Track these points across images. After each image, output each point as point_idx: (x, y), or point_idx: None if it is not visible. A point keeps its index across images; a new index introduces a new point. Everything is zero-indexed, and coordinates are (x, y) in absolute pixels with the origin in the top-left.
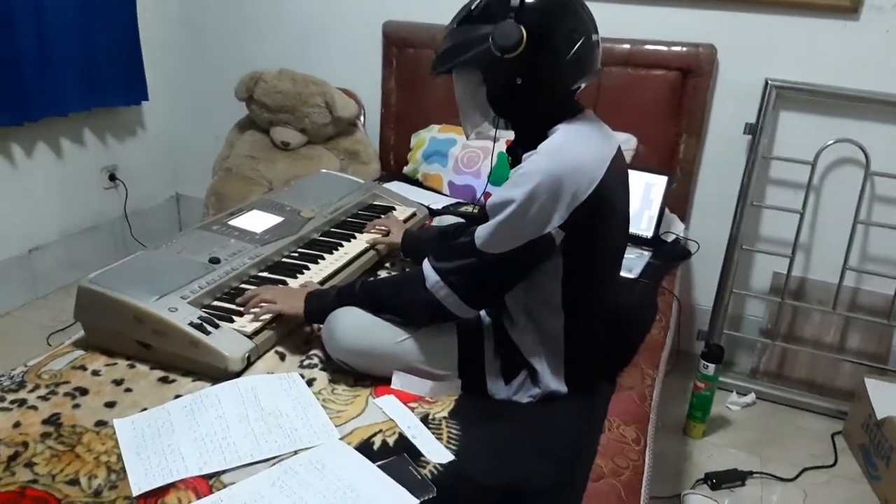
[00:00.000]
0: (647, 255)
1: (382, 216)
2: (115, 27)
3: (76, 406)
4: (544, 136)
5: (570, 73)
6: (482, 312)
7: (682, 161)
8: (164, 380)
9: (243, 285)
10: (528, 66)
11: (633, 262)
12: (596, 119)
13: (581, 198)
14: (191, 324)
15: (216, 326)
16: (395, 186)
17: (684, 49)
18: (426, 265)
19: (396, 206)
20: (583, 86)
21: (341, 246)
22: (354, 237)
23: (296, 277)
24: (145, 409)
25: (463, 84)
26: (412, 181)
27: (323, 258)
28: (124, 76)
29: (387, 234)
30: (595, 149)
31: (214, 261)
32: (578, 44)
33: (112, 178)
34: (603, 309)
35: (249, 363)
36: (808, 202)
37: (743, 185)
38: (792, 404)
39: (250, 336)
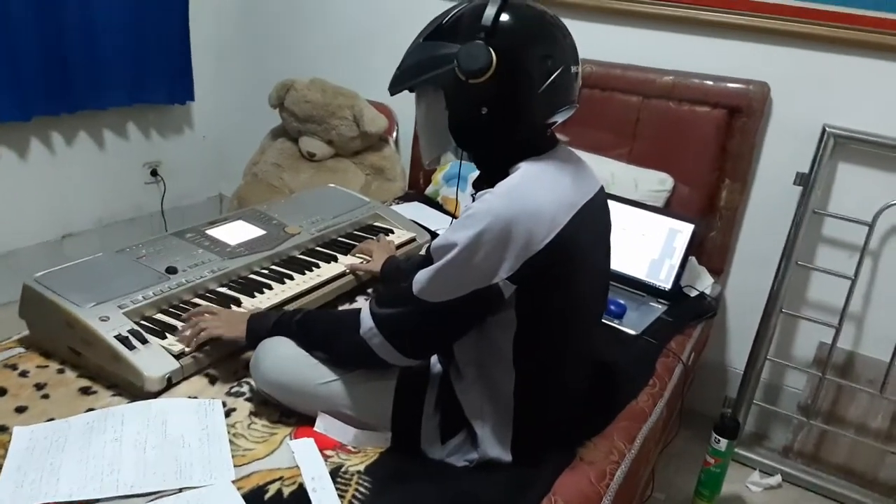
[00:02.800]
0: (659, 309)
1: (374, 238)
2: (165, 25)
3: None
4: (505, 174)
5: (541, 106)
6: (433, 358)
7: (723, 208)
8: (84, 390)
9: (196, 299)
10: (494, 94)
11: (639, 317)
12: (572, 158)
13: (535, 247)
14: (117, 336)
15: (143, 342)
16: (412, 208)
17: (734, 85)
18: (364, 309)
19: (395, 230)
20: (558, 120)
21: (317, 267)
22: (336, 259)
23: (253, 296)
24: (51, 420)
25: (423, 107)
26: (433, 203)
27: (291, 278)
28: (171, 75)
29: (369, 259)
30: (560, 192)
31: (171, 270)
32: (555, 75)
33: (154, 173)
34: (564, 370)
35: (171, 384)
36: (862, 267)
37: (788, 241)
38: (825, 493)
39: (177, 356)
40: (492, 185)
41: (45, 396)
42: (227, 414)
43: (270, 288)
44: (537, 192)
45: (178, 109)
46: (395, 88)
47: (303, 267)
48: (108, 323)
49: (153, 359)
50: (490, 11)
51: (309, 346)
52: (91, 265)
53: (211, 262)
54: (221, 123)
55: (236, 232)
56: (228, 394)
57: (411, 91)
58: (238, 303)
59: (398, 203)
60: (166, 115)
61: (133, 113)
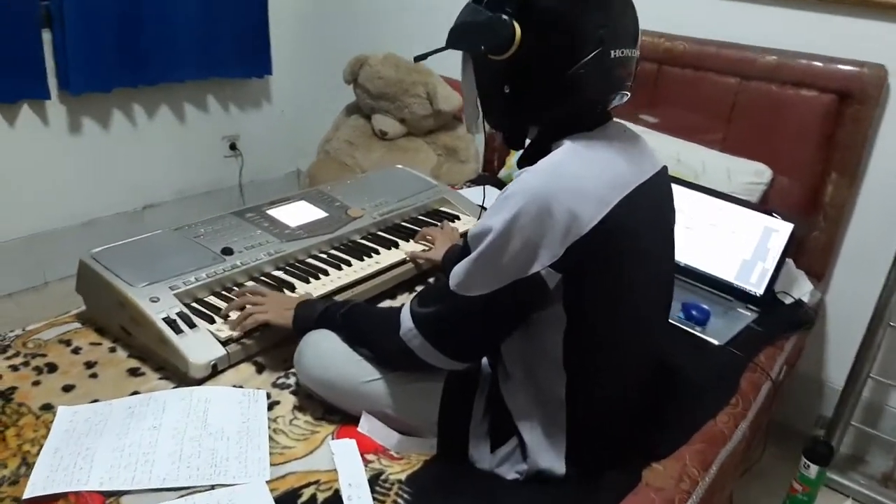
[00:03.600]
0: (748, 317)
1: (437, 225)
2: (245, 4)
3: (36, 383)
4: (547, 151)
5: (580, 90)
6: (483, 360)
7: (827, 205)
8: (133, 371)
9: (250, 283)
10: (519, 73)
11: (725, 325)
12: (626, 134)
13: (580, 230)
14: (165, 319)
15: (191, 326)
16: (485, 192)
17: (846, 67)
18: (405, 307)
19: (461, 216)
20: (615, 101)
21: (377, 253)
22: (397, 245)
23: (308, 282)
24: (96, 401)
25: (463, 71)
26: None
27: (349, 264)
28: (249, 48)
29: (431, 247)
30: (610, 170)
31: (227, 251)
32: (598, 57)
33: (232, 147)
34: (621, 373)
35: (217, 371)
36: None
37: None
38: None
39: (224, 342)
40: (531, 164)
41: (94, 376)
42: (270, 407)
43: (326, 274)
44: (582, 170)
45: (256, 83)
46: (446, 45)
47: (362, 252)
48: (158, 304)
49: (200, 344)
50: None
51: (353, 342)
52: (148, 243)
53: (268, 244)
54: (299, 98)
55: (298, 213)
56: (274, 385)
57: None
58: (292, 288)
59: (469, 186)
60: (244, 89)
61: (211, 86)
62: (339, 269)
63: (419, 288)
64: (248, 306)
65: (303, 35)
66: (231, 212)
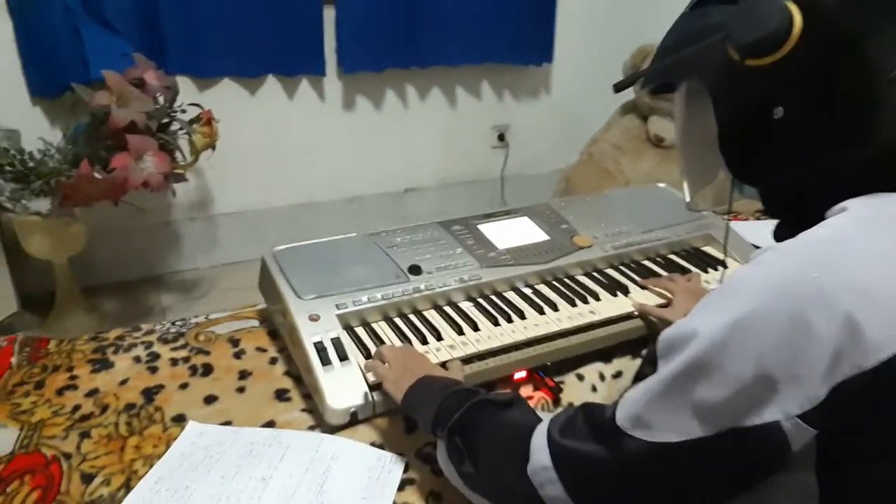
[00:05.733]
0: None
1: (685, 274)
2: None
3: (184, 386)
4: (816, 219)
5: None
6: None
7: None
8: (280, 394)
9: (431, 312)
10: (800, 84)
11: None
12: None
13: (863, 360)
14: (317, 344)
15: (343, 358)
16: (763, 228)
17: None
18: (540, 429)
19: (729, 262)
20: None
21: (595, 298)
22: (626, 292)
23: (496, 324)
24: (228, 423)
25: (681, 109)
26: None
27: (555, 308)
28: (531, 34)
29: (668, 302)
30: None
31: (414, 270)
32: None
33: (500, 137)
34: None
35: (355, 420)
36: None
37: None
38: None
39: (373, 387)
40: (792, 235)
41: (241, 390)
42: (402, 486)
43: (522, 317)
44: (878, 256)
45: (533, 71)
46: (646, 82)
47: (576, 295)
48: (316, 325)
49: (344, 384)
50: None
51: (458, 461)
52: (334, 246)
53: (464, 268)
54: (578, 91)
55: (513, 232)
56: (419, 454)
57: (666, 89)
58: (475, 327)
59: (757, 217)
60: (521, 76)
61: (486, 72)
62: (541, 312)
63: (645, 353)
64: (383, 352)
65: (590, 20)
66: (437, 221)
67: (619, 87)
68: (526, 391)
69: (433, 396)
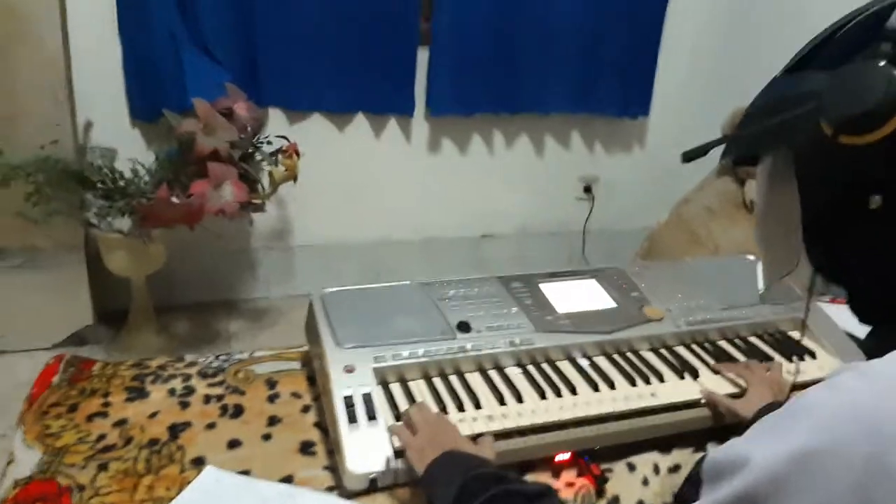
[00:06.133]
0: None
1: (767, 362)
2: (633, 31)
3: (211, 426)
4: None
5: None
6: None
7: None
8: (304, 447)
9: (474, 374)
10: None
11: None
12: None
13: None
14: (346, 399)
15: (371, 417)
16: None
17: None
18: None
19: (819, 352)
20: None
21: (659, 379)
22: (695, 375)
23: (544, 398)
24: (247, 473)
25: (763, 184)
26: None
27: (612, 386)
28: (627, 86)
29: (741, 392)
30: None
31: (463, 327)
32: None
33: (587, 189)
34: None
35: (375, 487)
36: None
37: None
38: None
39: (396, 453)
40: (883, 352)
41: (266, 437)
42: None
43: (574, 392)
44: None
45: (627, 123)
46: (727, 152)
47: (638, 372)
48: (349, 377)
49: (367, 446)
50: None
51: None
52: (385, 294)
53: (518, 330)
54: (673, 147)
55: (577, 295)
56: None
57: (749, 161)
58: (518, 397)
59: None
60: (613, 128)
61: (578, 121)
62: (596, 389)
63: (711, 448)
64: (412, 416)
65: (691, 75)
66: (500, 275)
67: (687, 157)
68: (568, 476)
69: (455, 475)
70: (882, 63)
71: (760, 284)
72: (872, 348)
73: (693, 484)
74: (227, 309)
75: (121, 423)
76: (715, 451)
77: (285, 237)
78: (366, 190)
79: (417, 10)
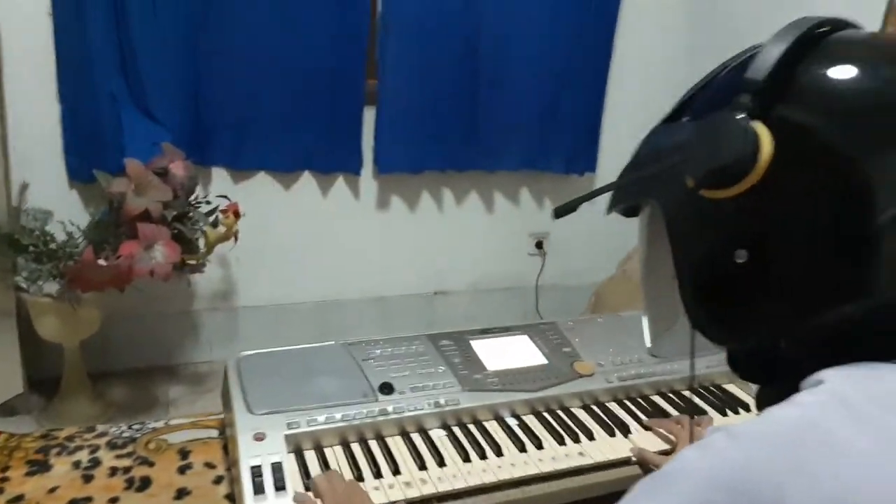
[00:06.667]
0: None
1: (697, 416)
2: (581, 87)
3: (113, 501)
4: (792, 390)
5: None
6: None
7: None
8: None
9: (397, 437)
10: (768, 221)
11: None
12: None
13: None
14: (253, 468)
15: (279, 488)
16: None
17: None
18: None
19: (752, 403)
20: None
21: (589, 438)
22: (627, 432)
23: (468, 460)
24: None
25: (642, 235)
26: None
27: (540, 446)
28: (574, 144)
29: (673, 448)
30: None
31: (386, 388)
32: None
33: (538, 245)
34: None
35: None
36: None
37: None
38: None
39: None
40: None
41: None
42: None
43: (499, 453)
44: (861, 459)
45: (575, 180)
46: (612, 203)
47: (568, 431)
48: (259, 445)
49: None
50: (770, 54)
51: None
52: (307, 356)
53: (443, 390)
54: None
55: (508, 352)
56: None
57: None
58: (440, 461)
59: None
60: (562, 185)
61: (526, 178)
62: (522, 449)
63: None
64: (318, 485)
65: (636, 132)
66: (430, 333)
67: (559, 213)
68: None
69: None
70: (740, 116)
71: (647, 340)
72: (764, 404)
73: None
74: (166, 374)
75: (16, 499)
76: None
77: (230, 298)
78: (314, 249)
79: (363, 69)
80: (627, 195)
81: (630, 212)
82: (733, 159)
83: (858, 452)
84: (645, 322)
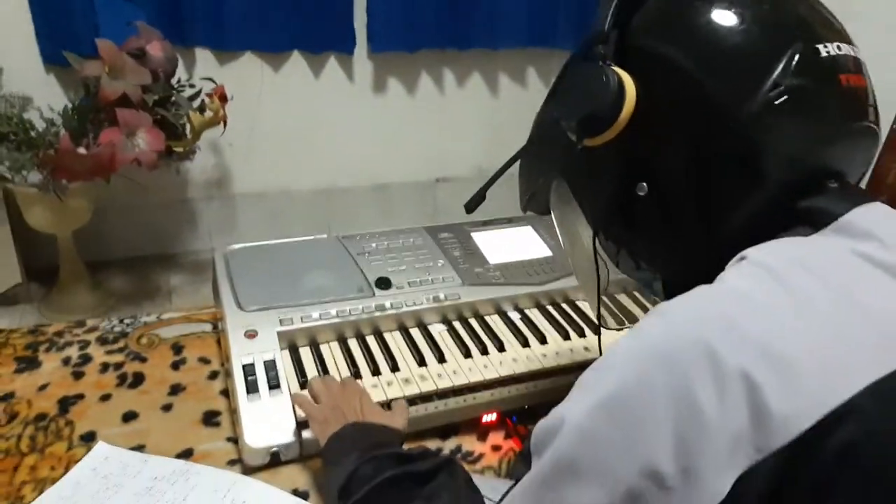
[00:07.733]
0: None
1: None
2: None
3: (106, 398)
4: (713, 272)
5: (773, 153)
6: None
7: None
8: (208, 418)
9: (394, 334)
10: (654, 153)
11: None
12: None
13: (771, 443)
14: (246, 367)
15: (274, 386)
16: None
17: None
18: None
19: None
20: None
21: (593, 331)
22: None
23: (468, 355)
24: (141, 448)
25: (557, 216)
26: None
27: (544, 341)
28: (580, 16)
29: None
30: (854, 314)
31: (383, 283)
32: (787, 88)
33: None
34: None
35: (277, 461)
36: None
37: None
38: None
39: (302, 424)
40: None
41: (167, 408)
42: None
43: (501, 349)
44: (785, 309)
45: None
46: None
47: (573, 326)
48: (251, 343)
49: (269, 418)
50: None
51: None
52: (299, 249)
53: (442, 284)
54: None
55: (512, 244)
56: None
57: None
58: (440, 357)
59: None
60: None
61: (533, 56)
62: (525, 344)
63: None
64: (314, 385)
65: None
66: (426, 226)
67: (469, 208)
68: (496, 438)
69: (351, 455)
70: (598, 64)
71: (593, 315)
72: None
73: (525, 458)
74: (166, 262)
75: (7, 397)
76: (541, 420)
77: (225, 186)
78: (308, 134)
79: None
80: (529, 182)
81: (543, 207)
82: (603, 104)
83: (783, 308)
84: (585, 296)
